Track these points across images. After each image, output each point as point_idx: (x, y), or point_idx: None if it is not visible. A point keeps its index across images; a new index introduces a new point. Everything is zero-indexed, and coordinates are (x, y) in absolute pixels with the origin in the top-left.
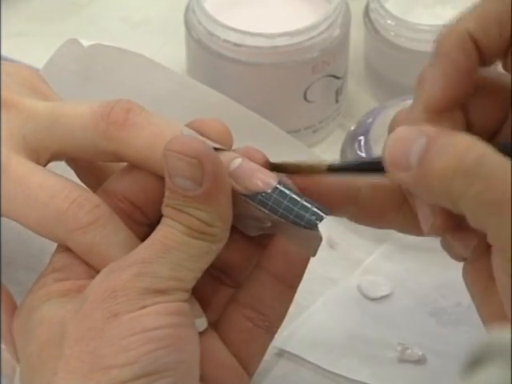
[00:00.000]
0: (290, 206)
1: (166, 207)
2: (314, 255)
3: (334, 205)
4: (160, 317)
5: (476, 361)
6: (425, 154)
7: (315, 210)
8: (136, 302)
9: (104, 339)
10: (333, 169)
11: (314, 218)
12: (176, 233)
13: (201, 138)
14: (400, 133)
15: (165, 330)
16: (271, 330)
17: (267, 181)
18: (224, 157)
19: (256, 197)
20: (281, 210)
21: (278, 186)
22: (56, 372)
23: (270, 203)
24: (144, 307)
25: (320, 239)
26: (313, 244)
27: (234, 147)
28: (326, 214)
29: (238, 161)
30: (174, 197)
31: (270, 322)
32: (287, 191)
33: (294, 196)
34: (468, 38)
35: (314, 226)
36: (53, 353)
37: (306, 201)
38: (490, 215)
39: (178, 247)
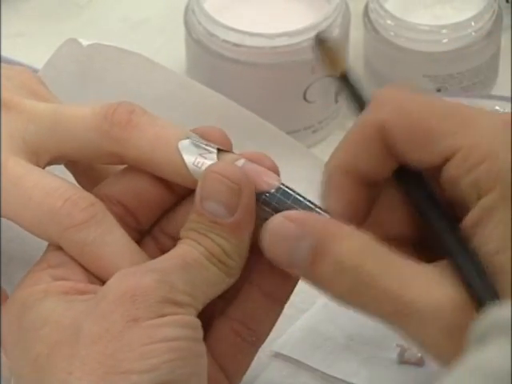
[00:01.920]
0: (294, 206)
1: (189, 231)
2: None
3: None
4: (179, 328)
5: (480, 337)
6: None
7: (318, 210)
8: (155, 309)
9: (123, 343)
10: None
11: None
12: (196, 253)
13: (210, 144)
14: (276, 228)
15: (183, 342)
16: (257, 344)
17: (271, 181)
18: (227, 158)
19: (260, 196)
20: (284, 210)
21: (282, 186)
22: (71, 371)
23: (273, 203)
24: (163, 316)
25: None
26: None
27: (234, 149)
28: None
29: (241, 161)
30: (200, 220)
31: (257, 336)
32: (291, 192)
33: (298, 196)
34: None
35: None
36: (65, 352)
37: (308, 201)
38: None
39: (196, 266)
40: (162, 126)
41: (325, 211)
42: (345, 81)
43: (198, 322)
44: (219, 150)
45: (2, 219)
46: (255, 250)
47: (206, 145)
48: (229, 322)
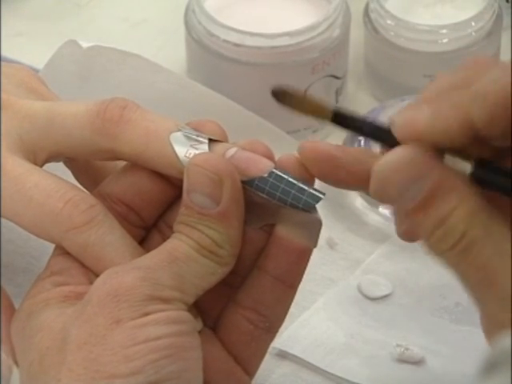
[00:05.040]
0: (287, 189)
1: (179, 224)
2: (315, 245)
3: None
4: (162, 326)
5: (491, 366)
6: (420, 211)
7: (312, 191)
8: (138, 308)
9: (106, 346)
10: (338, 120)
11: (310, 199)
12: (185, 246)
13: (202, 135)
14: (406, 158)
15: (167, 340)
16: (271, 330)
17: (262, 166)
18: (218, 147)
19: (253, 182)
20: (278, 194)
21: (274, 170)
22: (59, 379)
23: (267, 188)
24: (146, 314)
25: (320, 223)
26: (313, 230)
27: None
28: (323, 195)
29: (233, 150)
30: (188, 213)
31: (270, 322)
32: (283, 175)
33: (291, 179)
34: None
35: (311, 208)
36: (55, 359)
37: (302, 183)
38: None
39: (184, 260)
40: (154, 120)
41: (319, 190)
42: (340, 118)
43: (189, 316)
44: (211, 140)
45: (3, 221)
46: (260, 234)
47: (198, 135)
48: (240, 309)
